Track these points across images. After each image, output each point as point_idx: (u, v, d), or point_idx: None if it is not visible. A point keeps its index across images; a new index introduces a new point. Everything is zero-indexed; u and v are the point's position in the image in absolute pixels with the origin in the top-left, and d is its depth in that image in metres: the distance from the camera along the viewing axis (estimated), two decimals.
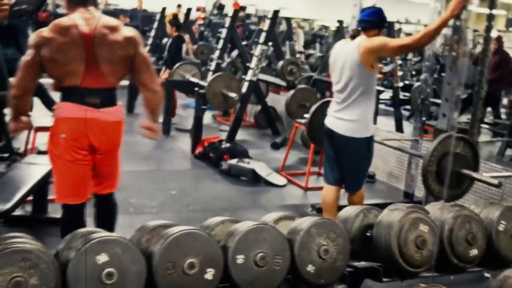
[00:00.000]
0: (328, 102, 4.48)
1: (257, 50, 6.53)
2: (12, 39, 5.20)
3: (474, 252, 2.14)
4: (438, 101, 6.97)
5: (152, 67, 3.01)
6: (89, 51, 2.78)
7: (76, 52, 2.76)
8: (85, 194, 2.95)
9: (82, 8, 2.86)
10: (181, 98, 9.19)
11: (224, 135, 6.77)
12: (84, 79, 2.79)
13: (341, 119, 3.68)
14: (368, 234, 2.11)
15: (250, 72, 6.54)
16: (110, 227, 3.02)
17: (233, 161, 5.69)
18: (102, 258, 1.50)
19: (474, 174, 3.59)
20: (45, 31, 2.77)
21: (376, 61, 3.52)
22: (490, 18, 4.14)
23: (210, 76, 6.94)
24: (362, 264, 2.04)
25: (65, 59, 2.77)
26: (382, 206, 4.58)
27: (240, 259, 1.68)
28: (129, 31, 2.93)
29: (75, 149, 2.82)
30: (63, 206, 2.94)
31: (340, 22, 8.14)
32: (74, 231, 1.75)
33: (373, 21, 3.57)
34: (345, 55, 3.55)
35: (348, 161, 3.81)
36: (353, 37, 3.58)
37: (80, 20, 2.81)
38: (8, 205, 3.09)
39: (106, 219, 3.11)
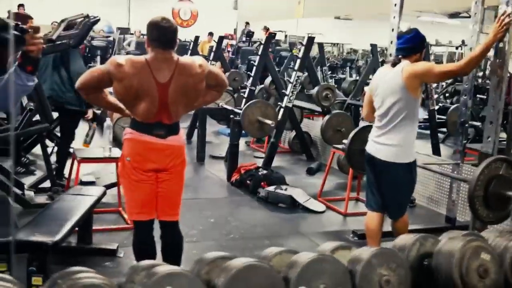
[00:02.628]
0: (366, 127, 4.47)
1: (292, 77, 6.56)
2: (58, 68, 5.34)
3: None
4: (476, 123, 6.94)
5: (221, 73, 3.26)
6: (163, 98, 2.93)
7: (150, 97, 2.92)
8: (152, 211, 3.18)
9: (161, 50, 2.95)
10: (212, 125, 9.27)
11: (258, 162, 6.77)
12: (155, 117, 2.98)
13: (382, 144, 3.65)
14: (426, 263, 2.06)
15: (285, 98, 6.56)
16: (176, 259, 3.20)
17: (271, 188, 5.68)
18: None
19: None
20: (122, 64, 2.88)
21: (420, 86, 3.50)
22: None
23: (244, 103, 6.98)
24: None
25: (136, 99, 2.93)
26: (424, 232, 4.52)
27: None
28: (197, 62, 3.05)
29: (139, 170, 3.04)
30: (134, 223, 3.23)
31: (373, 45, 8.14)
32: (135, 264, 1.76)
33: (412, 47, 3.55)
34: (387, 80, 3.54)
35: (390, 187, 3.77)
36: (394, 64, 3.55)
37: (156, 64, 2.92)
38: (58, 237, 3.13)
39: (172, 250, 3.29)
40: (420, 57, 3.56)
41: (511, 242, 2.05)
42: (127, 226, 4.43)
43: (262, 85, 8.44)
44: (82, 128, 5.76)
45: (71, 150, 5.70)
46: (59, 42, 5.04)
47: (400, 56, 3.54)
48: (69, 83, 5.20)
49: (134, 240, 3.26)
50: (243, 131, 6.77)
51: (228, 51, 13.97)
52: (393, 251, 1.90)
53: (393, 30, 4.41)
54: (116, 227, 4.54)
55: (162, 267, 1.64)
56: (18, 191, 4.85)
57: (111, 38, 11.86)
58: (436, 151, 6.74)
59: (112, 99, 3.09)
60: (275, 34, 8.07)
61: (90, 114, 5.44)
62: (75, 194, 3.89)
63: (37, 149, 6.20)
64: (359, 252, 1.85)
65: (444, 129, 7.59)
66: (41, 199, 4.99)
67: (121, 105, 3.12)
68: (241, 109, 6.61)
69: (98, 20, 5.06)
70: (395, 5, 4.39)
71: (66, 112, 5.36)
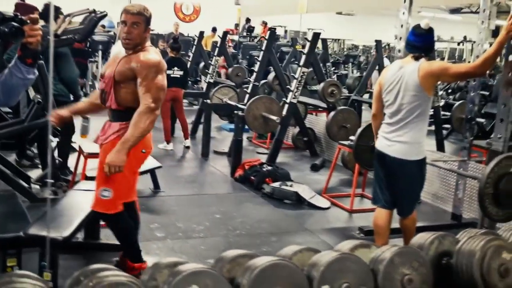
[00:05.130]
0: None
1: (297, 72, 6.54)
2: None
3: None
4: (480, 120, 6.94)
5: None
6: None
7: None
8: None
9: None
10: (215, 121, 9.26)
11: (261, 158, 6.76)
12: None
13: (394, 141, 3.64)
14: (444, 261, 2.06)
15: (290, 94, 6.53)
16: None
17: (276, 184, 5.67)
18: None
19: None
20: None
21: (435, 85, 3.49)
22: None
23: (247, 99, 6.96)
24: None
25: None
26: (431, 229, 4.52)
27: None
28: None
29: (144, 160, 3.26)
30: (120, 211, 3.23)
31: (378, 41, 8.12)
32: (157, 262, 1.75)
33: (431, 46, 3.54)
34: (402, 77, 3.51)
35: (400, 184, 3.76)
36: (417, 58, 3.50)
37: None
38: (67, 232, 3.12)
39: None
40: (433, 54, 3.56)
41: None
42: None
43: (265, 80, 8.43)
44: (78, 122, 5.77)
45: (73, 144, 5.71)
46: (64, 37, 5.01)
47: (423, 54, 3.50)
48: (58, 78, 5.25)
49: (124, 225, 3.33)
50: (245, 127, 6.75)
51: (229, 46, 13.95)
52: (416, 250, 1.89)
53: (402, 26, 4.40)
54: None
55: (185, 266, 1.63)
56: (25, 185, 4.84)
57: (112, 33, 11.79)
58: (440, 147, 6.75)
59: None
60: (275, 29, 8.04)
61: None
62: (82, 190, 3.86)
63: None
64: (381, 251, 1.85)
65: (447, 125, 7.59)
66: (46, 193, 4.96)
67: None
68: (245, 105, 6.59)
69: (105, 15, 5.03)
70: (404, 1, 4.37)
71: (60, 105, 5.34)
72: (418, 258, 1.86)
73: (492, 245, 1.93)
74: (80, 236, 3.98)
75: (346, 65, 11.98)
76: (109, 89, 3.12)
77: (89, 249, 4.00)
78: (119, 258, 3.57)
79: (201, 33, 9.72)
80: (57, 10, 5.23)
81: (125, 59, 3.13)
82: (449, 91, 9.55)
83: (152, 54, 3.12)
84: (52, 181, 5.12)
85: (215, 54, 9.14)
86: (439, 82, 7.78)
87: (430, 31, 3.52)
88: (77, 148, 5.40)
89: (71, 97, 5.44)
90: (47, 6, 5.22)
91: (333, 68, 10.44)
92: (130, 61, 3.08)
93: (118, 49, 5.97)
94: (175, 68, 7.34)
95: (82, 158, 5.06)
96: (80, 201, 3.65)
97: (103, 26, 12.04)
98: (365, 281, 1.76)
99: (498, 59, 5.13)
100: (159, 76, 3.06)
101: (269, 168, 6.05)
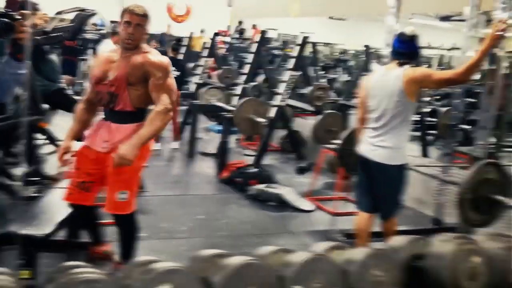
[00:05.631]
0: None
1: (286, 76, 6.57)
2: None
3: None
4: (465, 126, 7.00)
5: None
6: None
7: None
8: None
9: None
10: (202, 122, 9.26)
11: (249, 160, 6.78)
12: None
13: (376, 146, 3.67)
14: (416, 264, 2.10)
15: (278, 97, 6.56)
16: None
17: (261, 186, 5.70)
18: None
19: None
20: None
21: (418, 91, 3.53)
22: None
23: (235, 101, 6.98)
24: None
25: None
26: (412, 233, 4.56)
27: None
28: None
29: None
30: (133, 214, 3.29)
31: (367, 47, 8.17)
32: (131, 260, 1.77)
33: (417, 53, 3.59)
34: (386, 83, 3.55)
35: (382, 189, 3.80)
36: (401, 64, 3.55)
37: None
38: (48, 230, 3.12)
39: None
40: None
41: (500, 245, 2.09)
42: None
43: (254, 83, 8.45)
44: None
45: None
46: (54, 35, 5.00)
47: (407, 61, 3.54)
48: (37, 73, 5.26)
49: (136, 222, 3.39)
50: (234, 128, 6.77)
51: (221, 48, 13.97)
52: (387, 252, 1.93)
53: (389, 32, 4.44)
54: (105, 221, 4.52)
55: (159, 264, 1.66)
56: (8, 182, 4.82)
57: (104, 31, 11.77)
58: (425, 153, 6.81)
59: None
60: (266, 31, 8.06)
61: None
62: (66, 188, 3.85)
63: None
64: (354, 253, 1.88)
65: (433, 131, 7.63)
66: (30, 191, 4.94)
67: None
68: (233, 106, 6.61)
69: (94, 14, 5.02)
70: (392, 7, 4.41)
71: (54, 92, 5.34)
72: (389, 260, 1.90)
73: (463, 249, 1.97)
74: (63, 234, 3.98)
75: (336, 69, 12.04)
76: (121, 91, 3.09)
77: (71, 248, 3.98)
78: (90, 252, 3.61)
79: (191, 34, 9.73)
80: (33, 5, 5.22)
81: (132, 61, 3.09)
82: (437, 97, 9.61)
83: (160, 56, 3.16)
84: (36, 178, 5.12)
85: (206, 55, 9.15)
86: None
87: (414, 38, 3.56)
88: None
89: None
90: (22, 3, 5.23)
91: (323, 72, 10.48)
92: (140, 62, 3.07)
93: (105, 48, 5.97)
94: (173, 69, 7.34)
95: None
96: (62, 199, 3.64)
97: (95, 25, 12.02)
98: (337, 282, 1.79)
99: None
100: (169, 79, 3.13)
101: (255, 170, 6.07)
